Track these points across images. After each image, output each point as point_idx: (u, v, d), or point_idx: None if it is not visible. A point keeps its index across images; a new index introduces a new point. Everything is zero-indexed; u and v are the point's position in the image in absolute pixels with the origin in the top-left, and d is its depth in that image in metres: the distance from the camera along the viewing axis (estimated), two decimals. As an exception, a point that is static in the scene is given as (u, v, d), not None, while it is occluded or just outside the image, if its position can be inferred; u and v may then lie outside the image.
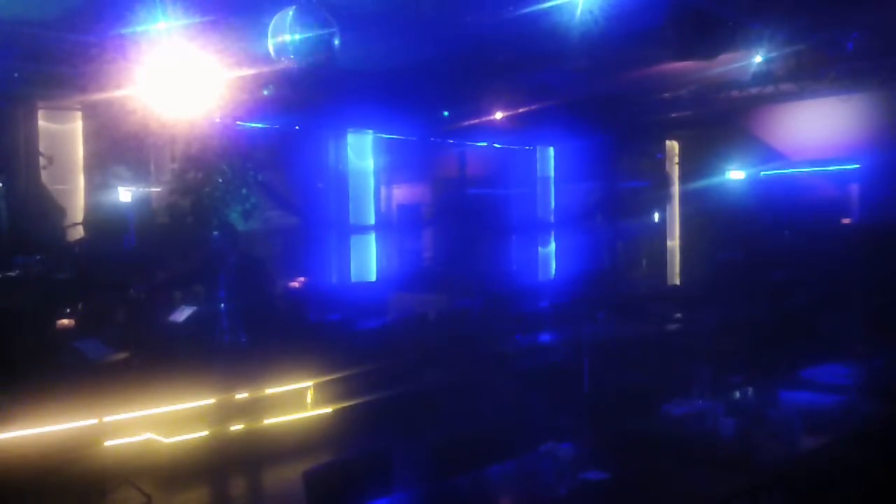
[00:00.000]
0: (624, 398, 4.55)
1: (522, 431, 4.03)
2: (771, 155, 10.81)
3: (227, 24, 6.13)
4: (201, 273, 6.63)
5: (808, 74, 8.67)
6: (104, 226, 8.26)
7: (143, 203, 8.89)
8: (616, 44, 6.33)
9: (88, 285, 7.19)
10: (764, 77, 8.29)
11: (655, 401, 4.21)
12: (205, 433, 6.05)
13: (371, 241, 10.71)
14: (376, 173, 10.85)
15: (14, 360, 5.95)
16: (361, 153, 10.62)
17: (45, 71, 7.19)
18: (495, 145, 12.39)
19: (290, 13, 5.19)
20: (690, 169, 11.95)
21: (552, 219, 12.92)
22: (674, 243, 12.29)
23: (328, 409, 6.79)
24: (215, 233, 6.64)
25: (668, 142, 12.15)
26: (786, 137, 10.62)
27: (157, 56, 6.21)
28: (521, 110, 10.07)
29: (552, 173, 12.98)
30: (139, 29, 6.09)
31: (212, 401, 6.23)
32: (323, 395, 6.85)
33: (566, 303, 10.40)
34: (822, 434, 3.70)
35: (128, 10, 5.96)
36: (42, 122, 8.45)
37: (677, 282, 12.18)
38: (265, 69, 6.42)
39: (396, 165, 11.73)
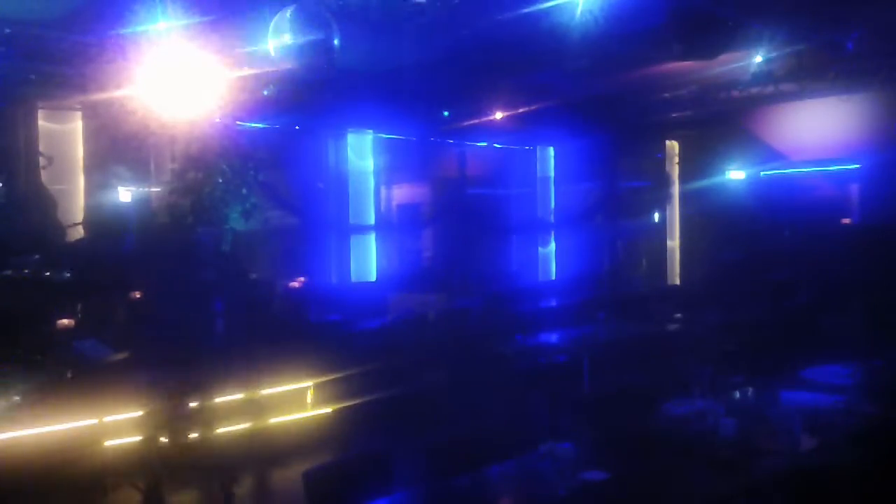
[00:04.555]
0: (624, 398, 4.55)
1: (522, 431, 4.03)
2: (771, 155, 10.81)
3: (227, 24, 6.13)
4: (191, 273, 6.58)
5: (808, 74, 8.66)
6: (104, 226, 8.25)
7: (143, 203, 8.89)
8: (616, 44, 6.33)
9: (88, 285, 7.19)
10: (764, 77, 8.28)
11: (655, 401, 4.21)
12: (204, 433, 6.04)
13: (371, 241, 10.71)
14: (376, 173, 10.84)
15: (13, 360, 5.94)
16: (361, 153, 10.62)
17: (45, 71, 7.19)
18: (495, 145, 12.39)
19: (290, 13, 5.19)
20: (690, 169, 11.95)
21: (552, 219, 12.91)
22: (674, 243, 12.29)
23: (328, 409, 6.80)
24: (202, 232, 6.63)
25: (668, 142, 12.15)
26: (786, 137, 10.62)
27: (157, 56, 6.20)
28: (521, 110, 10.07)
29: (552, 173, 12.98)
30: (139, 29, 6.09)
31: (211, 401, 6.23)
32: (323, 395, 6.85)
33: (566, 303, 10.40)
34: (822, 434, 3.70)
35: (128, 10, 5.95)
36: (42, 122, 8.44)
37: (677, 282, 12.18)
38: (265, 69, 6.42)
39: (396, 165, 11.73)
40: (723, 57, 6.78)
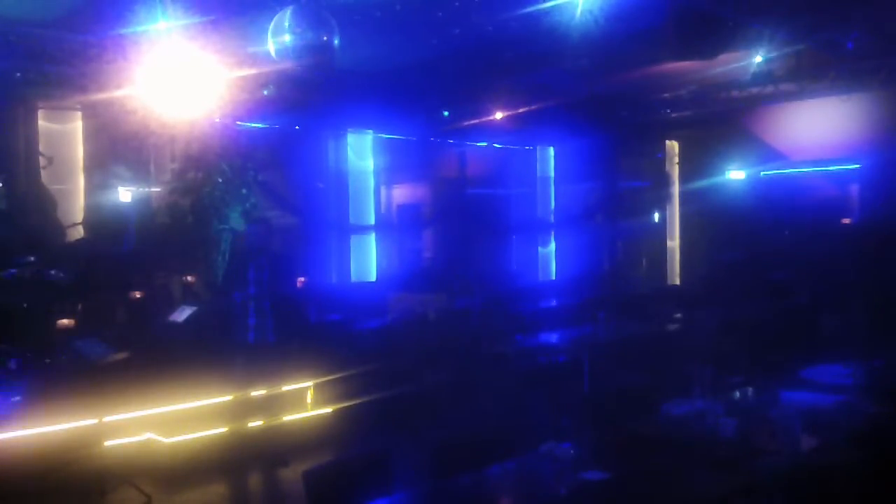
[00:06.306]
0: (624, 398, 4.55)
1: (522, 431, 4.02)
2: (771, 155, 10.81)
3: (227, 24, 6.13)
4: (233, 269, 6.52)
5: (808, 74, 8.67)
6: (104, 226, 8.25)
7: (143, 203, 8.89)
8: (616, 44, 6.34)
9: (88, 285, 7.19)
10: (764, 77, 8.29)
11: (655, 401, 4.21)
12: (204, 433, 6.04)
13: (371, 241, 10.71)
14: (376, 173, 10.84)
15: (14, 359, 5.95)
16: (361, 153, 10.62)
17: (45, 71, 7.19)
18: (495, 145, 12.39)
19: (290, 13, 5.19)
20: (690, 169, 11.95)
21: (552, 219, 12.91)
22: (674, 243, 12.29)
23: (328, 409, 6.79)
24: (250, 227, 6.60)
25: (668, 142, 12.15)
26: (786, 137, 10.62)
27: (157, 56, 6.21)
28: (521, 110, 10.07)
29: (552, 173, 12.98)
30: (139, 29, 6.09)
31: (211, 401, 6.23)
32: (323, 395, 6.85)
33: (566, 303, 10.40)
34: (822, 434, 3.70)
35: (128, 10, 5.96)
36: (42, 122, 8.45)
37: (677, 282, 12.18)
38: (265, 69, 6.43)
39: (396, 165, 11.73)
40: (723, 57, 6.78)
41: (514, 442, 3.72)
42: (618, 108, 10.45)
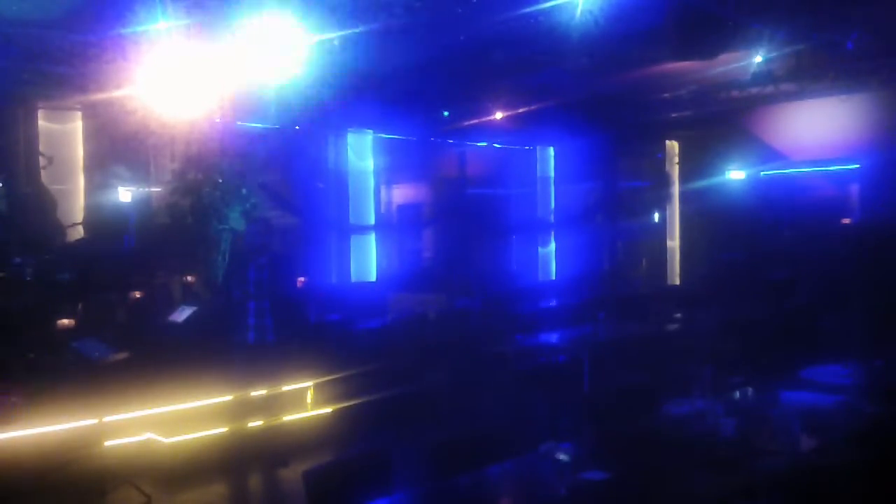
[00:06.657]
0: (624, 398, 4.55)
1: (522, 431, 4.03)
2: (771, 155, 10.81)
3: (227, 24, 6.12)
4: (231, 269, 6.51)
5: (808, 74, 8.67)
6: (104, 226, 8.26)
7: (143, 203, 8.90)
8: (616, 44, 6.34)
9: (88, 285, 7.19)
10: (764, 77, 8.29)
11: (655, 401, 4.21)
12: (204, 433, 6.04)
13: (371, 241, 10.71)
14: (376, 173, 10.84)
15: (14, 360, 5.94)
16: (361, 153, 10.61)
17: (45, 71, 7.19)
18: (495, 145, 12.39)
19: (290, 13, 5.19)
20: (690, 169, 11.95)
21: (552, 219, 12.92)
22: (674, 243, 12.29)
23: (328, 409, 6.79)
24: (249, 227, 6.60)
25: (668, 142, 12.16)
26: (786, 137, 10.63)
27: (157, 56, 6.21)
28: (521, 110, 10.07)
29: (552, 173, 12.99)
30: (139, 29, 6.09)
31: (211, 401, 6.23)
32: (323, 395, 6.85)
33: (566, 303, 10.39)
34: (822, 434, 3.70)
35: (128, 10, 5.96)
36: (42, 122, 8.45)
37: (677, 282, 12.18)
38: (265, 69, 6.42)
39: (396, 165, 11.73)
40: (723, 57, 6.78)
41: (514, 442, 3.72)
42: (618, 108, 10.45)
